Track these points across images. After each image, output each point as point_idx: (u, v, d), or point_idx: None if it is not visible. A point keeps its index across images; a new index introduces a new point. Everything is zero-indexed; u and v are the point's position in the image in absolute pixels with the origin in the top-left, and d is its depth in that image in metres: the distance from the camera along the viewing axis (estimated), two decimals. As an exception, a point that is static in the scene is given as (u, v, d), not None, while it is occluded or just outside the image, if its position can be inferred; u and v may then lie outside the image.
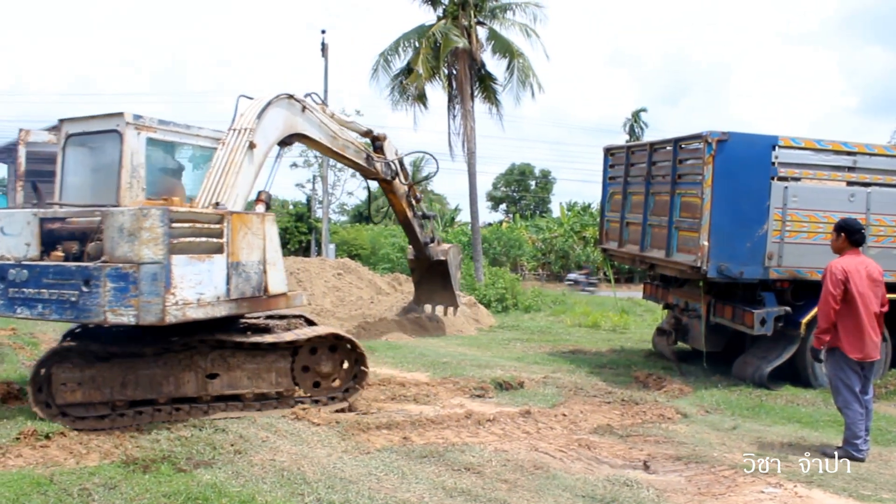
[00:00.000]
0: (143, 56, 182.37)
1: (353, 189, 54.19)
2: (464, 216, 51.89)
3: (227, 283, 7.74)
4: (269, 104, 9.26)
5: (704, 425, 8.58)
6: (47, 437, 7.04)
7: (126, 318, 6.96)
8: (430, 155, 15.99)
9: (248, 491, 5.85)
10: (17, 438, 6.92)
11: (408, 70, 26.05)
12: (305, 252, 40.18)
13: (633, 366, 12.30)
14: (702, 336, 11.43)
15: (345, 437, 7.49)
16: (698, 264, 10.22)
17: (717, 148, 10.06)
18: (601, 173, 13.99)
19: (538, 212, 65.43)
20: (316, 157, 36.93)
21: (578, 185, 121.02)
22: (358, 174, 14.07)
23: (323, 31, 34.89)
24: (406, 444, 7.33)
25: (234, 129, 8.89)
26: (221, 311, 7.71)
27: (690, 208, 10.63)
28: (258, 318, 9.32)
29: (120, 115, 8.28)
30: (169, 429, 7.44)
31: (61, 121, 8.89)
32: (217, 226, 7.66)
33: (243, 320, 9.01)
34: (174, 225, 7.10)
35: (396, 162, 13.58)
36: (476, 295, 20.83)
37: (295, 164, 38.77)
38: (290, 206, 49.96)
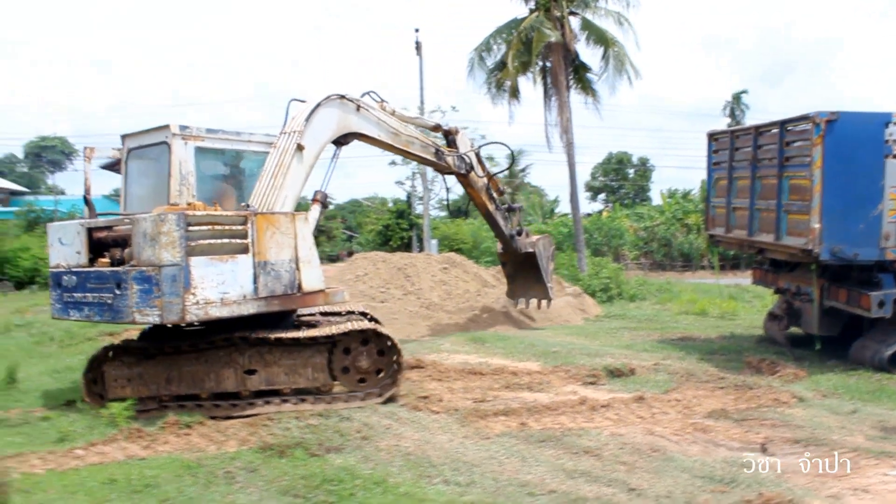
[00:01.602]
0: (246, 65, 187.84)
1: (451, 185, 54.52)
2: (562, 207, 51.62)
3: (255, 281, 8.07)
4: (318, 106, 9.62)
5: (822, 409, 8.50)
6: (188, 426, 7.65)
7: (151, 317, 7.45)
8: (505, 145, 15.45)
9: (379, 473, 6.24)
10: (162, 427, 7.56)
11: (501, 65, 26.13)
12: (407, 248, 40.80)
13: (744, 351, 12.18)
14: (815, 320, 11.24)
15: (464, 424, 7.80)
16: (810, 247, 10.08)
17: (826, 128, 9.90)
18: (702, 159, 13.93)
19: (638, 200, 64.39)
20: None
21: (677, 171, 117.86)
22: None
23: (416, 30, 35.40)
24: (524, 430, 7.58)
25: (285, 133, 9.30)
26: (249, 309, 8.03)
27: (800, 191, 10.47)
28: (312, 314, 9.66)
29: (166, 127, 8.75)
30: (297, 418, 7.91)
31: (123, 136, 9.44)
32: (240, 227, 8.01)
33: (298, 316, 9.31)
34: (191, 228, 7.50)
35: (472, 155, 13.28)
36: (580, 285, 20.87)
37: (394, 162, 39.15)
38: (390, 204, 50.76)
